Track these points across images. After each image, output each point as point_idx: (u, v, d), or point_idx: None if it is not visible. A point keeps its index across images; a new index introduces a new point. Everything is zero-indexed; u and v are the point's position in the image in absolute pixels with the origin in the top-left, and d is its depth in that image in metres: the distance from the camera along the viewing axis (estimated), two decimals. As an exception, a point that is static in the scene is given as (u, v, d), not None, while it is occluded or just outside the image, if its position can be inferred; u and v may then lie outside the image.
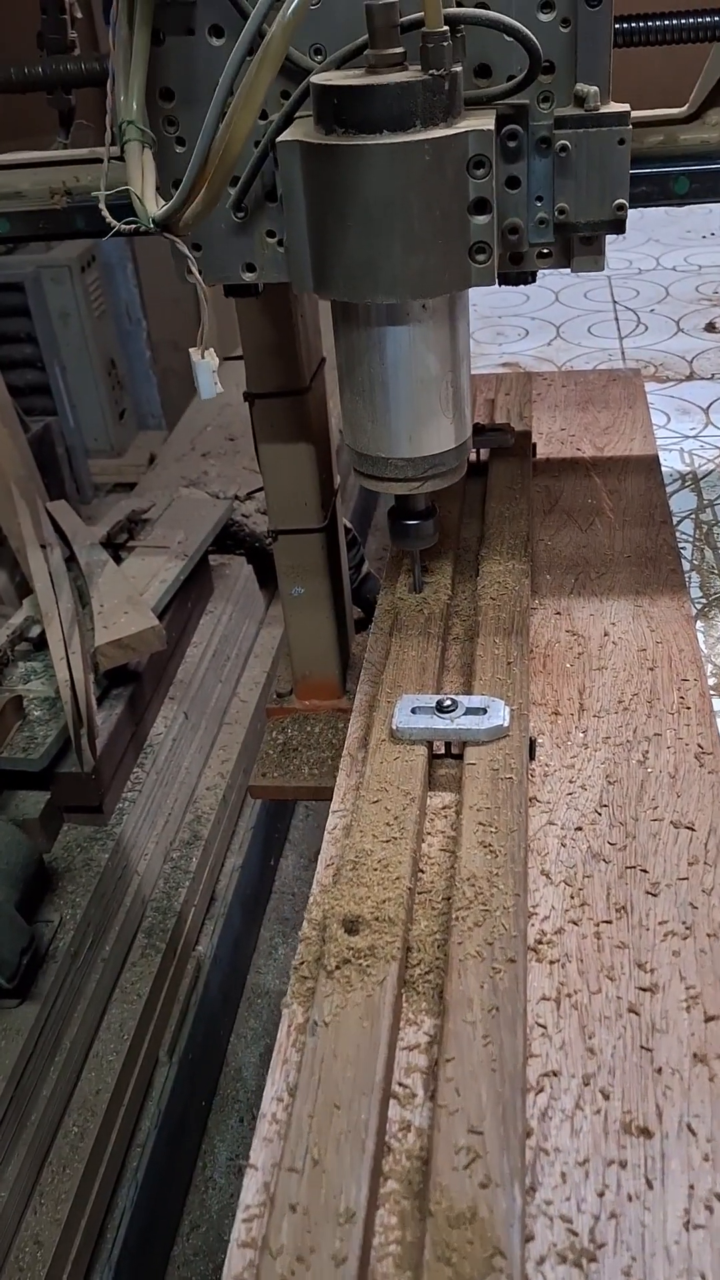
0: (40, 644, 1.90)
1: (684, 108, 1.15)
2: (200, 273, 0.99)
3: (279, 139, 0.94)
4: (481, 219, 0.94)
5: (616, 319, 2.49)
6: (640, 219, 3.06)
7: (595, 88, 0.95)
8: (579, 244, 1.04)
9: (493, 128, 0.92)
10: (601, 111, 0.97)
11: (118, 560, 2.10)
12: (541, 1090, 0.75)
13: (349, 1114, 0.70)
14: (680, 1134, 0.72)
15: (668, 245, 2.49)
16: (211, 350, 0.99)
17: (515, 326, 2.49)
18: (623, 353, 2.33)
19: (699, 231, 2.94)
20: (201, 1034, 1.88)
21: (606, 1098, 0.74)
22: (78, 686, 1.75)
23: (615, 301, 2.55)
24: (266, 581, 2.51)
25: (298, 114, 0.97)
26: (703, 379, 2.18)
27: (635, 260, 2.91)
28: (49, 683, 1.84)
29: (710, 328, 2.40)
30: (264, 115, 0.99)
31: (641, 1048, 0.77)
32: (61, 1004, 1.62)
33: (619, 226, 1.01)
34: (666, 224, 3.08)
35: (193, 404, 3.02)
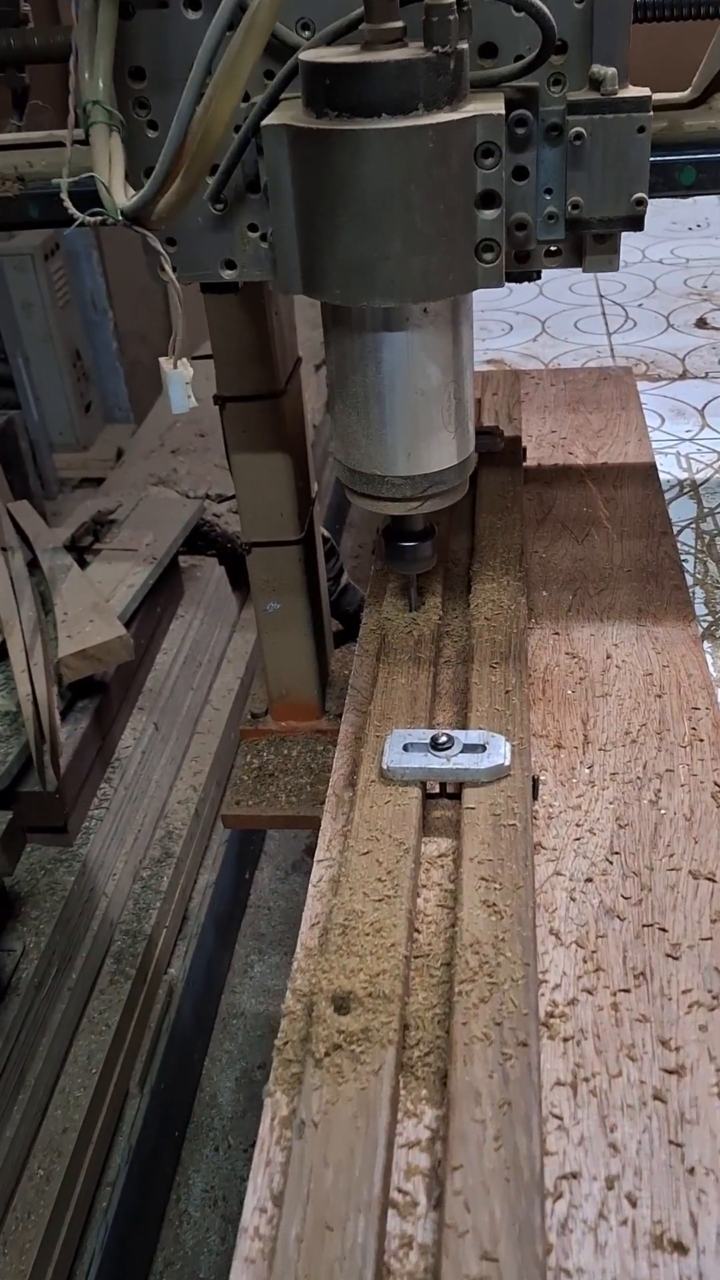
0: (0, 655, 1.80)
1: (686, 92, 1.07)
2: (175, 270, 0.89)
3: (264, 123, 0.84)
4: (490, 214, 0.86)
5: (604, 314, 2.41)
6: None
7: (613, 69, 0.86)
8: (592, 242, 0.95)
9: (503, 112, 0.83)
10: (620, 96, 0.88)
11: (83, 564, 2.00)
12: (560, 1196, 0.66)
13: (343, 1237, 0.61)
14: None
15: (654, 237, 2.41)
16: (185, 361, 0.90)
17: (498, 321, 2.41)
18: (612, 349, 2.24)
19: (685, 223, 2.87)
20: (174, 1062, 1.80)
21: (634, 1204, 0.66)
22: (40, 701, 1.66)
23: (602, 296, 2.47)
24: (239, 584, 2.42)
25: (284, 96, 0.88)
26: (696, 378, 2.10)
27: (621, 252, 2.75)
28: (9, 696, 1.74)
29: (701, 323, 2.32)
30: (246, 97, 0.89)
31: (670, 1143, 0.69)
32: (25, 1038, 1.53)
33: (637, 223, 0.93)
34: (651, 215, 2.88)
35: (161, 398, 2.92)
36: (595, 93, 0.89)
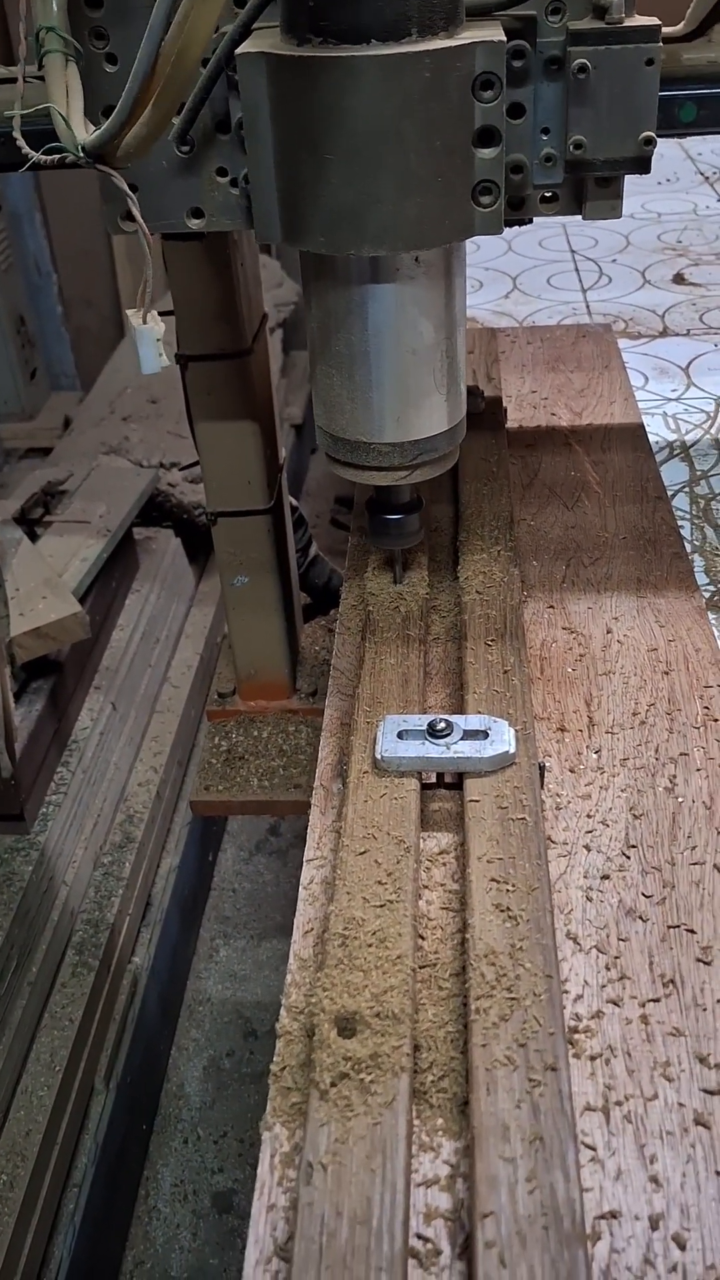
0: (-52, 635, 1.71)
1: (680, 25, 1.00)
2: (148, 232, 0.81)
3: (239, 51, 0.76)
4: (488, 152, 0.78)
5: (577, 270, 2.33)
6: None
7: None
8: (594, 186, 0.87)
9: (504, 39, 0.75)
10: (627, 25, 0.80)
11: (33, 538, 1.91)
12: (599, 1238, 0.59)
13: (365, 1301, 0.54)
14: (780, 1297, 0.57)
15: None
16: (155, 315, 0.81)
17: (467, 278, 2.34)
18: (587, 306, 2.17)
19: (653, 176, 2.80)
20: (140, 1054, 1.73)
21: (681, 1247, 0.59)
22: (-8, 683, 1.58)
23: (574, 251, 2.40)
24: (197, 556, 2.34)
25: (257, 25, 0.79)
26: (678, 335, 2.03)
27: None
28: (-41, 679, 1.65)
29: (679, 279, 2.25)
30: (215, 27, 0.80)
31: (718, 1174, 0.62)
32: (-18, 1040, 1.46)
33: (644, 165, 0.85)
34: None
35: (109, 364, 2.82)
36: (600, 21, 0.81)
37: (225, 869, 2.20)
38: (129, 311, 0.82)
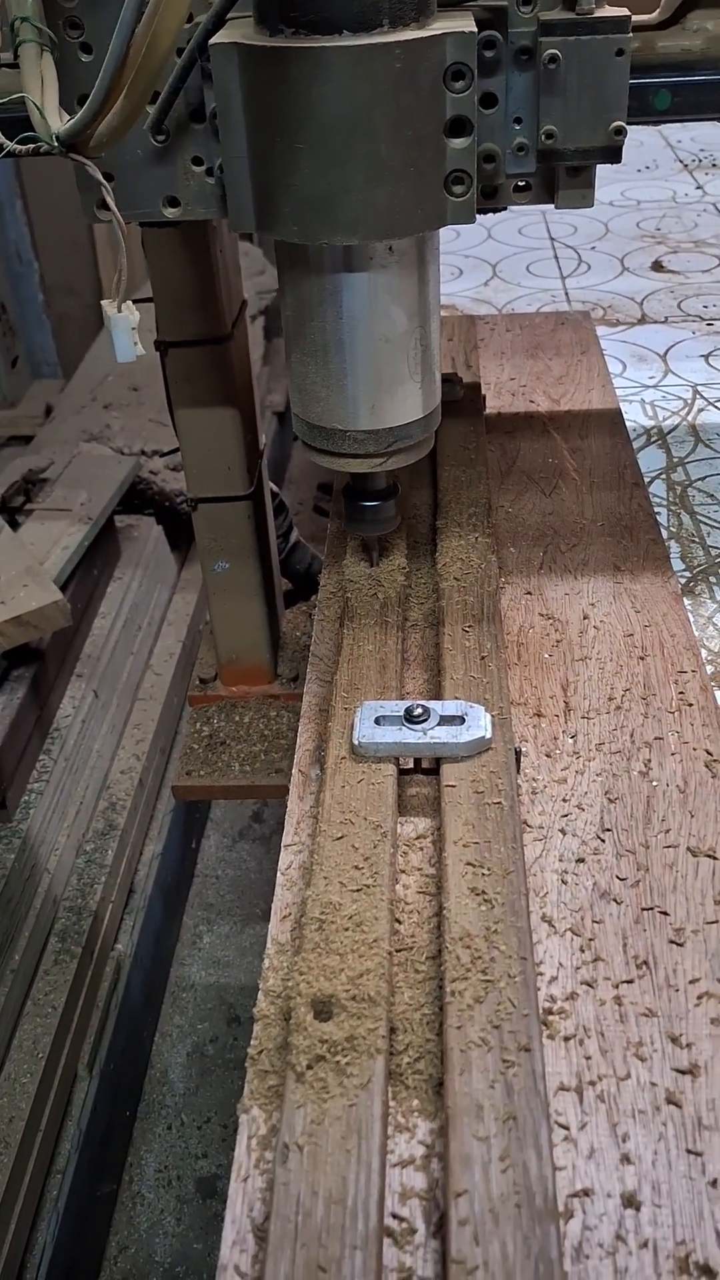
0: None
1: (654, 13, 1.00)
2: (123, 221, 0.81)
3: (212, 42, 0.76)
4: (460, 142, 0.78)
5: (556, 257, 2.33)
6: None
7: None
8: (565, 175, 0.88)
9: (475, 30, 0.75)
10: (597, 16, 0.81)
11: (14, 526, 1.90)
12: (572, 1215, 0.60)
13: (338, 1278, 0.55)
14: (749, 1272, 0.57)
15: (602, 178, 2.33)
16: (130, 304, 0.81)
17: (447, 265, 2.32)
18: (566, 294, 2.17)
19: (633, 164, 2.80)
20: (123, 1041, 1.74)
21: (654, 1224, 0.60)
22: (-26, 671, 1.58)
23: (553, 239, 2.39)
24: (178, 543, 2.33)
25: (231, 15, 0.79)
26: (656, 322, 2.03)
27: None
28: (-59, 667, 1.66)
29: (658, 267, 2.25)
30: (189, 18, 0.80)
31: (689, 1152, 0.63)
32: (-34, 1027, 1.46)
33: (615, 155, 0.86)
34: None
35: (91, 352, 2.81)
36: (570, 12, 0.82)
37: (209, 855, 2.20)
38: (104, 301, 0.83)
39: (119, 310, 0.82)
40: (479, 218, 0.87)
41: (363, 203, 0.77)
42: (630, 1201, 0.61)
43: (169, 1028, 1.92)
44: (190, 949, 2.05)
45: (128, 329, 0.83)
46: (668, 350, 1.93)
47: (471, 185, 0.81)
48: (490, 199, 0.90)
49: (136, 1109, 1.81)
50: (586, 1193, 0.61)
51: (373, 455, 0.92)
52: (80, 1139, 1.55)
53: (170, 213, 0.90)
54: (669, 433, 1.64)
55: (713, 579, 1.32)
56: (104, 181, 0.79)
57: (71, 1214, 1.50)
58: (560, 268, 2.27)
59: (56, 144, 0.77)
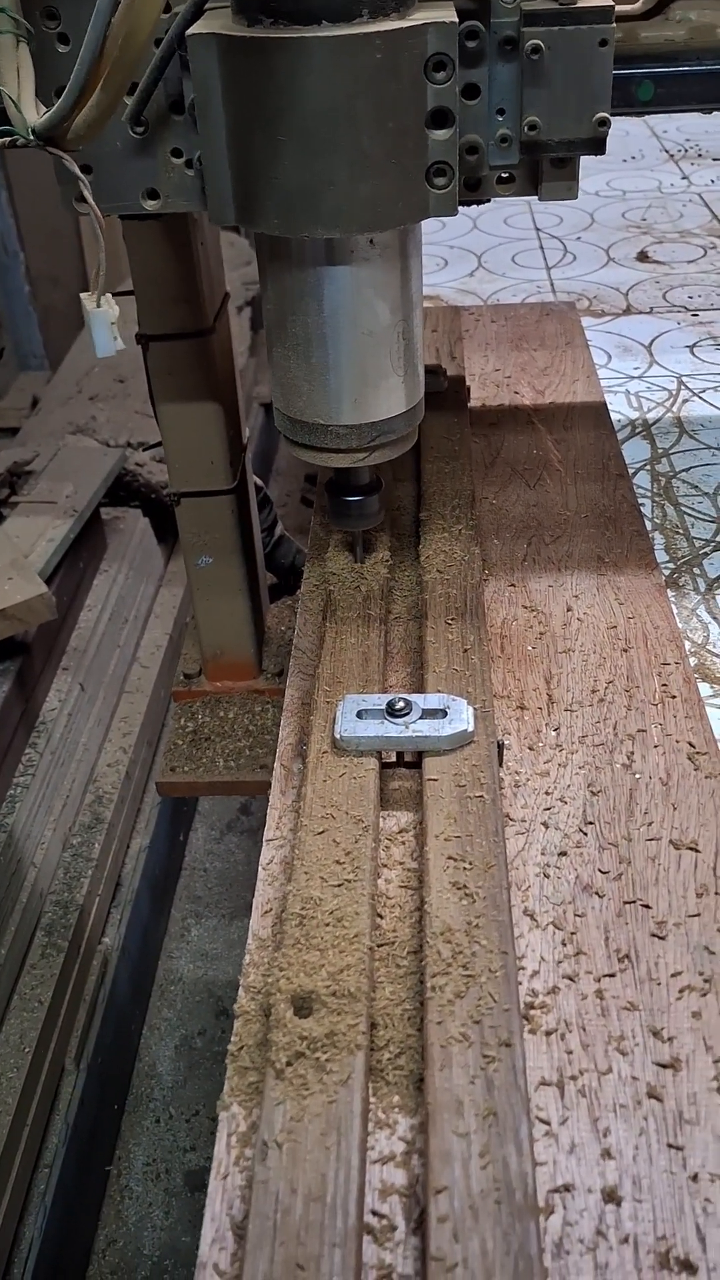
0: None
1: (637, 3, 1.00)
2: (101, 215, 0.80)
3: (190, 33, 0.75)
4: (442, 134, 0.78)
5: (542, 247, 2.33)
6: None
7: None
8: (549, 167, 0.87)
9: (456, 20, 0.75)
10: (580, 6, 0.80)
11: (-1, 519, 1.90)
12: (552, 1211, 0.60)
13: (317, 1277, 0.54)
14: (730, 1266, 0.57)
15: (587, 169, 2.33)
16: (109, 298, 0.81)
17: (432, 256, 2.32)
18: (552, 284, 2.16)
19: (618, 155, 2.79)
20: (111, 1034, 1.73)
21: (634, 1219, 0.60)
22: (-42, 665, 1.57)
23: (538, 229, 2.39)
24: (165, 536, 2.33)
25: (210, 5, 0.78)
26: (641, 313, 2.03)
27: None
28: None
29: (643, 257, 2.25)
30: (167, 8, 0.80)
31: (670, 1146, 0.63)
32: (-48, 1023, 1.46)
33: (599, 146, 0.85)
34: None
35: (77, 343, 2.80)
36: (553, 2, 0.81)
37: (196, 849, 2.19)
38: (84, 295, 0.82)
39: (98, 305, 0.82)
40: (463, 208, 0.87)
41: (345, 195, 0.77)
42: (611, 1197, 0.60)
43: (157, 1021, 1.91)
44: (178, 942, 2.04)
45: (107, 324, 0.82)
46: (653, 341, 1.93)
47: (454, 177, 0.80)
48: (474, 191, 0.89)
49: (124, 1102, 1.81)
50: (567, 1188, 0.61)
51: (355, 450, 0.92)
52: (68, 1133, 1.55)
53: (150, 205, 0.89)
54: (654, 424, 1.64)
55: (696, 571, 1.32)
56: (80, 175, 0.78)
57: (59, 1208, 1.50)
58: (546, 258, 2.27)
59: (33, 137, 0.76)
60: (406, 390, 0.91)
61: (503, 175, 0.89)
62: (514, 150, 0.85)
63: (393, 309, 0.86)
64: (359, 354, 0.87)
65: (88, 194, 0.79)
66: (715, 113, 1.13)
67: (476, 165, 0.85)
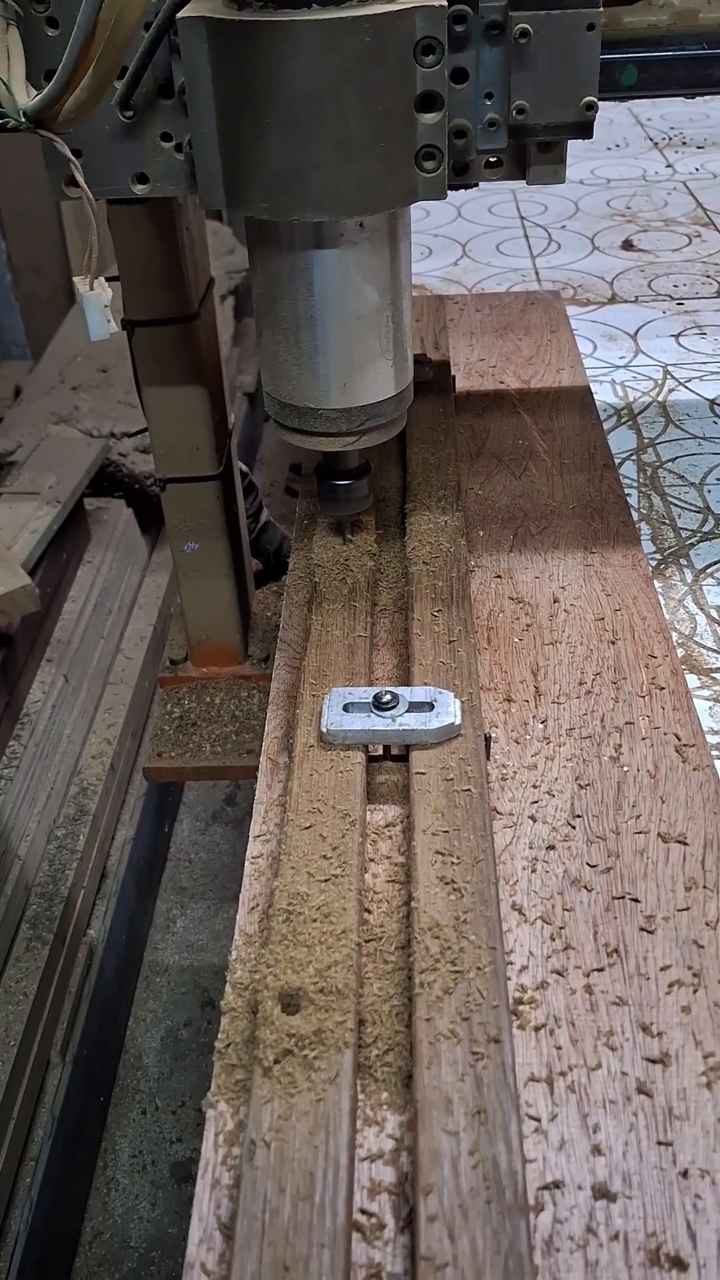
0: None
1: (623, -11, 0.99)
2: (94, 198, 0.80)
3: (180, 15, 0.75)
4: (431, 117, 0.77)
5: (526, 236, 2.31)
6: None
7: None
8: (536, 151, 0.87)
9: (445, 3, 0.74)
10: None
11: (-18, 509, 1.88)
12: (542, 1209, 0.60)
13: (305, 1277, 0.54)
14: (721, 1262, 0.57)
15: (573, 157, 2.32)
16: (102, 281, 0.80)
17: (416, 245, 2.31)
18: (537, 273, 2.15)
19: (603, 142, 2.78)
20: (97, 1026, 1.73)
21: (624, 1215, 0.59)
22: (-59, 657, 1.56)
23: (523, 217, 2.37)
24: (149, 526, 2.32)
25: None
26: (626, 302, 2.02)
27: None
28: None
29: (628, 245, 2.24)
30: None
31: (659, 1143, 0.62)
32: (-64, 1017, 1.45)
33: (586, 130, 0.85)
34: None
35: (60, 332, 2.78)
36: None
37: (181, 840, 2.19)
38: (76, 278, 0.81)
39: (90, 288, 0.81)
40: (449, 195, 0.86)
41: (333, 179, 0.77)
42: (601, 1193, 0.60)
43: (143, 1012, 1.91)
44: (164, 933, 2.04)
45: (100, 306, 0.82)
46: (638, 330, 1.92)
47: (443, 161, 0.80)
48: (462, 175, 0.89)
49: (111, 1094, 1.80)
50: (557, 1185, 0.61)
51: (345, 434, 0.91)
52: (54, 1125, 1.55)
53: (139, 189, 0.88)
54: (639, 413, 1.63)
55: (683, 561, 1.31)
56: (72, 158, 0.78)
57: (45, 1200, 1.49)
58: (530, 247, 2.26)
59: (24, 120, 0.75)
60: (395, 374, 0.91)
61: (490, 159, 0.88)
62: (502, 134, 0.85)
63: (381, 292, 0.86)
64: (348, 337, 0.87)
65: (79, 176, 0.78)
66: (699, 99, 1.13)
67: (465, 149, 0.85)
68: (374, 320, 0.86)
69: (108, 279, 0.91)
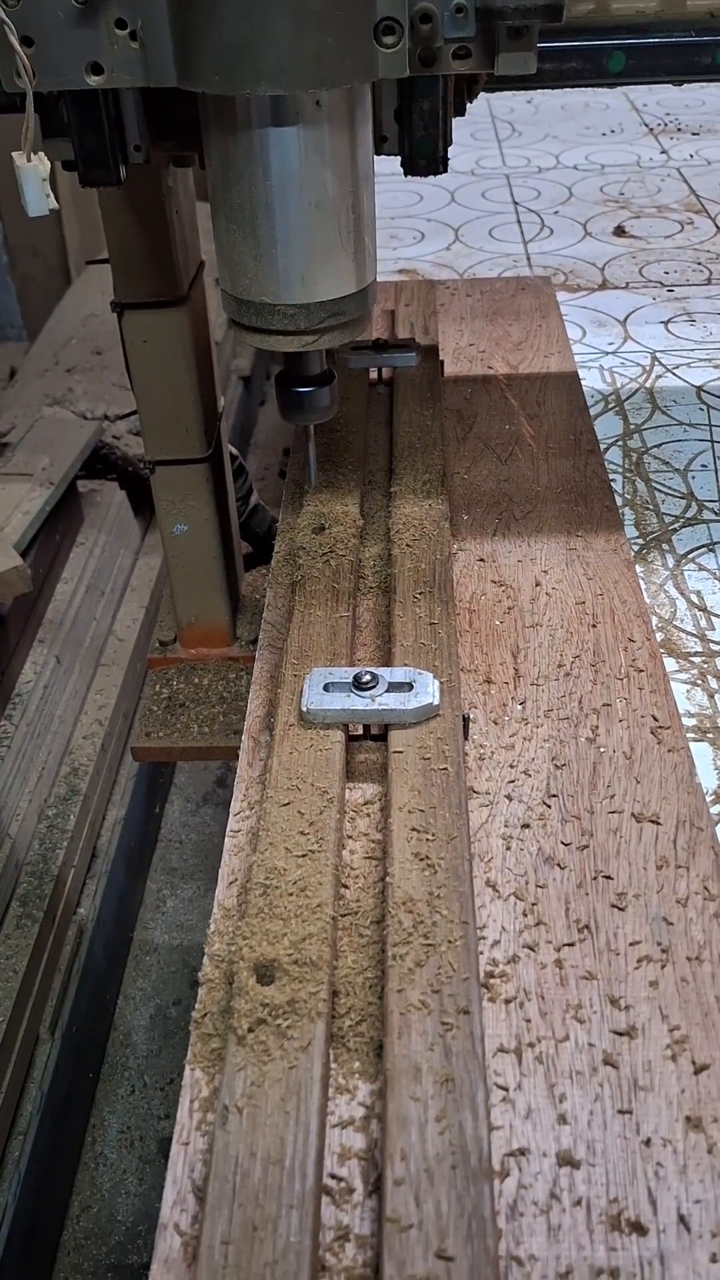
0: None
1: (611, -24, 0.99)
2: (33, 73, 0.77)
3: None
4: None
5: (519, 221, 2.32)
6: (535, 114, 2.91)
7: None
8: (505, 38, 0.81)
9: None
10: None
11: (-25, 490, 1.89)
12: (508, 1174, 0.61)
13: (274, 1237, 0.55)
14: (680, 1227, 0.59)
15: (567, 142, 2.32)
16: (41, 154, 0.78)
17: (409, 229, 2.31)
18: (528, 258, 2.16)
19: (598, 128, 2.78)
20: (86, 1003, 1.74)
21: (587, 1182, 0.61)
22: (-67, 637, 1.57)
23: (516, 203, 2.38)
24: (142, 508, 2.32)
25: None
26: (617, 288, 2.03)
27: (534, 158, 2.71)
28: None
29: (620, 232, 2.24)
30: None
31: (623, 1112, 0.64)
32: None
33: (556, 13, 0.79)
34: (564, 119, 2.89)
35: (55, 314, 2.78)
36: None
37: (172, 820, 2.20)
38: (15, 154, 0.78)
39: (28, 160, 0.78)
40: (441, 183, 0.85)
41: (287, 49, 0.74)
42: (566, 1160, 0.62)
43: (132, 990, 1.92)
44: (154, 912, 2.05)
45: (38, 180, 0.78)
46: (628, 316, 1.93)
47: (403, 36, 0.77)
48: (429, 66, 0.83)
49: (99, 1071, 1.82)
50: (523, 1152, 0.62)
51: (304, 332, 0.88)
52: (42, 1101, 1.56)
53: (93, 80, 0.83)
54: (627, 399, 1.64)
55: (665, 546, 1.33)
56: (18, 48, 0.74)
57: (33, 1174, 1.51)
58: (523, 232, 2.27)
59: None
60: (357, 270, 0.87)
61: (458, 50, 0.82)
62: (469, 20, 0.79)
63: (340, 179, 0.83)
64: (307, 227, 0.83)
65: (25, 65, 0.75)
66: (692, 85, 1.13)
67: (431, 36, 0.80)
68: (334, 208, 0.83)
69: (98, 261, 0.90)
